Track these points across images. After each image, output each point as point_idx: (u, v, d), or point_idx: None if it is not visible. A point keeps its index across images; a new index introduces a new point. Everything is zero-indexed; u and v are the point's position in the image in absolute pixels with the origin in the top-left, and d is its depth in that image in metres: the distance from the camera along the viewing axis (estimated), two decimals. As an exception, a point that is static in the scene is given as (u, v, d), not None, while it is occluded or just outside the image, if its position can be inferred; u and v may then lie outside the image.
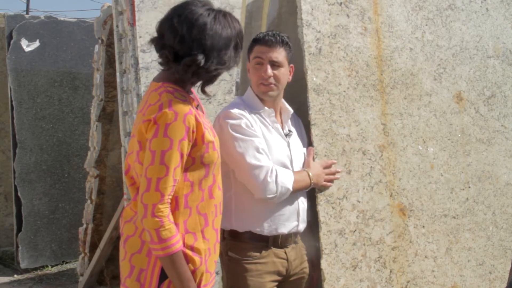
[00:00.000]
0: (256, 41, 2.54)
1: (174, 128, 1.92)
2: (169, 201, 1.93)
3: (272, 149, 2.49)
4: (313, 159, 2.60)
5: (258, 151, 2.41)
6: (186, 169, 1.99)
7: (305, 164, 2.57)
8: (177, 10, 2.01)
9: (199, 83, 2.10)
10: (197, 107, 2.09)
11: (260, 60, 2.51)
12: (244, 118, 2.44)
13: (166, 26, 2.00)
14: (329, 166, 2.61)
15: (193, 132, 1.96)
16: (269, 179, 2.38)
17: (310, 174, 2.52)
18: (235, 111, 2.45)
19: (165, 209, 1.91)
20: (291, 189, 2.44)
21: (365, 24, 2.83)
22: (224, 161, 2.40)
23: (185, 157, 1.95)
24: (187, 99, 2.01)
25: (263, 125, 2.52)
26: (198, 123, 1.98)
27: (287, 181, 2.42)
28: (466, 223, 2.97)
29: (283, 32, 2.59)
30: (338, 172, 2.63)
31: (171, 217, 1.93)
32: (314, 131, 2.62)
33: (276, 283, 2.52)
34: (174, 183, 1.94)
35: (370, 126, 2.76)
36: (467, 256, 2.95)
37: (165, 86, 2.00)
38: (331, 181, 2.61)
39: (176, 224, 1.97)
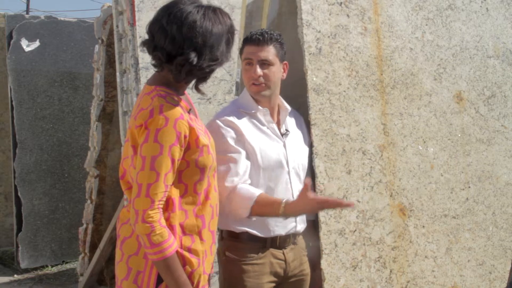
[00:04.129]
0: (245, 41, 2.51)
1: (165, 134, 1.90)
2: (160, 206, 1.92)
3: (266, 150, 2.46)
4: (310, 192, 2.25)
5: (231, 175, 2.37)
6: (180, 172, 1.98)
7: (299, 196, 2.29)
8: (165, 10, 1.99)
9: (191, 84, 2.08)
10: (190, 111, 2.06)
11: (249, 60, 2.48)
12: (232, 130, 2.42)
13: (156, 27, 1.97)
14: (331, 205, 2.29)
15: (185, 137, 1.94)
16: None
17: (283, 209, 2.31)
18: (224, 120, 2.43)
19: (156, 215, 1.90)
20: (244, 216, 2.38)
21: (365, 24, 2.83)
22: None
23: (176, 162, 1.94)
24: (179, 103, 2.00)
25: (255, 127, 2.49)
26: (191, 127, 1.97)
27: (240, 208, 2.37)
28: (466, 223, 2.97)
29: (283, 32, 2.58)
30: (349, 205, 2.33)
31: (163, 221, 1.92)
32: (314, 131, 2.62)
33: (274, 284, 2.51)
34: (166, 189, 1.92)
35: (370, 126, 2.76)
36: (467, 256, 2.95)
37: (158, 90, 1.99)
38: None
39: (173, 226, 1.96)
